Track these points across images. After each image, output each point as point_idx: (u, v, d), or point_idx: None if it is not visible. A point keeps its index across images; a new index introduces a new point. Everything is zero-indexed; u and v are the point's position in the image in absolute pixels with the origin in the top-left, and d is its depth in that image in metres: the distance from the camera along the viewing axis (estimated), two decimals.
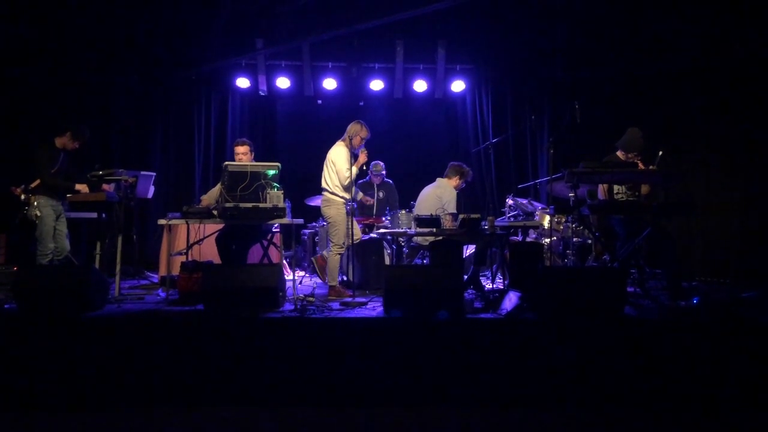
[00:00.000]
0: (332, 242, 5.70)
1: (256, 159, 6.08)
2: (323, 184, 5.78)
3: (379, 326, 4.25)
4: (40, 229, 5.71)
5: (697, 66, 7.42)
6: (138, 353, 4.10)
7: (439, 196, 6.16)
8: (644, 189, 5.70)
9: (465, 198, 7.29)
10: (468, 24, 8.42)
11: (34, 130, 7.38)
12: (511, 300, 4.70)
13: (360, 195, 6.66)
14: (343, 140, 5.76)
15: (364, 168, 5.79)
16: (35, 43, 7.75)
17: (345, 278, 6.49)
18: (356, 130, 5.73)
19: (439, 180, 6.37)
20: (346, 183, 5.61)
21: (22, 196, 5.74)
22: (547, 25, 8.28)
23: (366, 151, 5.72)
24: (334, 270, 5.70)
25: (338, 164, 5.62)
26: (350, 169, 5.57)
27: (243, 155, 5.94)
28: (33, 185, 5.74)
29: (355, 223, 5.79)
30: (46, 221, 5.72)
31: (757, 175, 6.96)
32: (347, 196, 5.68)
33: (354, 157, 5.68)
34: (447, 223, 5.76)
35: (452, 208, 6.09)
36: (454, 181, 6.30)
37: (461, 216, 5.58)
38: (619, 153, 5.77)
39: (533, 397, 3.98)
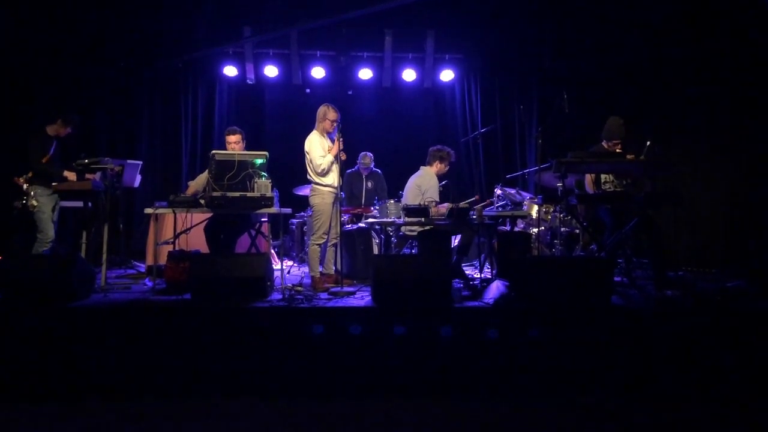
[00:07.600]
0: (313, 231, 5.61)
1: (244, 148, 6.03)
2: (307, 175, 5.70)
3: (367, 316, 4.24)
4: (39, 217, 5.70)
5: (685, 56, 7.44)
6: (124, 343, 4.07)
7: (418, 185, 6.11)
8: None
9: (454, 187, 7.29)
10: (457, 13, 8.40)
11: (24, 121, 7.33)
12: (498, 289, 4.71)
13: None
14: (316, 127, 5.68)
15: (342, 157, 5.52)
16: (21, 33, 7.63)
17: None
18: (323, 112, 5.63)
19: (421, 168, 6.32)
20: (320, 170, 5.49)
21: (24, 186, 5.72)
22: (535, 15, 8.27)
23: (340, 140, 5.51)
24: (312, 261, 5.59)
25: (311, 152, 5.55)
26: (323, 156, 5.48)
27: (235, 144, 5.89)
28: (30, 175, 5.73)
29: (337, 214, 5.65)
30: (44, 209, 5.72)
31: (743, 165, 7.00)
32: (330, 182, 5.57)
33: (331, 141, 5.61)
34: (433, 211, 5.74)
35: (434, 194, 6.00)
36: (436, 167, 6.25)
37: (450, 205, 5.57)
38: (603, 143, 5.78)
39: (520, 386, 4.00)
